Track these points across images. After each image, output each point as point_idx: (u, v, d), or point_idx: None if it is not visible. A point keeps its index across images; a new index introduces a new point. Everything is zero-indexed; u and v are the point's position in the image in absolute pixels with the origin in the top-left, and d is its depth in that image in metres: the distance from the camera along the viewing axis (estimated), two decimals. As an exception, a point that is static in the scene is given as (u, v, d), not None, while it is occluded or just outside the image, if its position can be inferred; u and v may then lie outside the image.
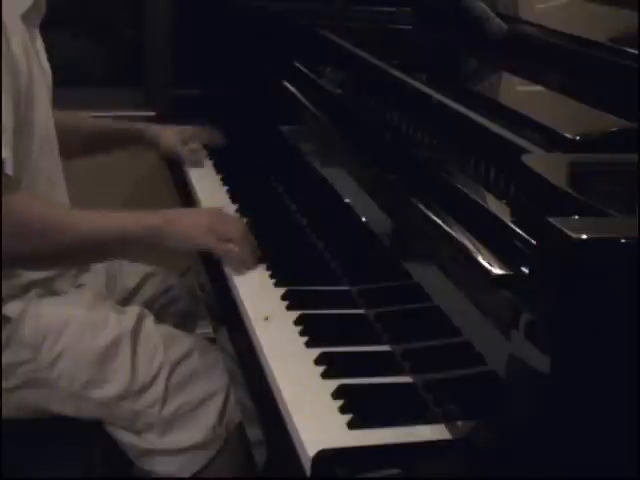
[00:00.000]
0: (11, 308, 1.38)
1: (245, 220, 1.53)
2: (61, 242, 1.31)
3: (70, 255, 1.36)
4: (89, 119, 1.89)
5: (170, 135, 1.88)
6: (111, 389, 1.38)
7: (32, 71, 1.38)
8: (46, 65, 1.51)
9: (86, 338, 1.39)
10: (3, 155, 1.25)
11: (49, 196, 1.46)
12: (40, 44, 1.50)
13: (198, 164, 1.88)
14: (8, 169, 1.25)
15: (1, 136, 1.24)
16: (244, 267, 1.36)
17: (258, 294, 1.29)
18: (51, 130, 1.46)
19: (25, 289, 1.41)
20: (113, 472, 1.50)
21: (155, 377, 1.39)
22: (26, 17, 1.39)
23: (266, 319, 1.20)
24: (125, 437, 1.42)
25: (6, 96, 1.27)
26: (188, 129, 1.93)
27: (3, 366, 1.37)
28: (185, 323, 1.72)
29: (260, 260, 1.38)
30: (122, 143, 1.89)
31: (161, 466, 1.41)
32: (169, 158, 1.92)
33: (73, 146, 1.66)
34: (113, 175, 2.34)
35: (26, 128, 1.34)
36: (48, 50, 1.53)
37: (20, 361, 1.37)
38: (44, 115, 1.43)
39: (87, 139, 1.82)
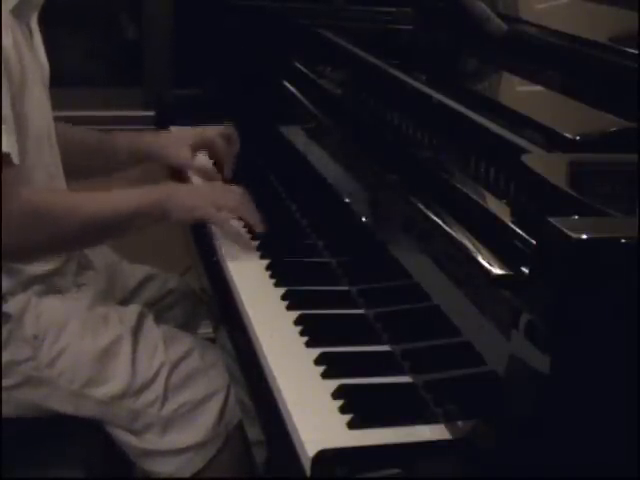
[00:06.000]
0: (11, 305, 1.38)
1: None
2: (77, 226, 1.35)
3: (84, 237, 1.40)
4: (89, 132, 1.70)
5: (180, 146, 1.71)
6: (111, 388, 1.38)
7: (25, 66, 1.36)
8: (44, 61, 1.50)
9: (87, 336, 1.39)
10: (5, 148, 1.25)
11: None
12: (38, 39, 1.49)
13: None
14: (14, 159, 1.27)
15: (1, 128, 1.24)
16: (237, 238, 1.42)
17: (258, 294, 1.29)
18: (49, 125, 1.45)
19: (25, 285, 1.41)
20: (113, 472, 1.50)
21: (155, 376, 1.39)
22: (16, 12, 1.37)
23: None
24: (125, 437, 1.41)
25: (4, 89, 1.27)
26: (204, 132, 1.74)
27: (3, 364, 1.37)
28: (186, 327, 1.71)
29: (261, 256, 1.40)
30: (127, 162, 1.73)
31: (161, 466, 1.41)
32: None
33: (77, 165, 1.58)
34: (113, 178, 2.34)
35: (20, 123, 1.34)
36: (48, 50, 1.52)
37: (20, 359, 1.37)
38: (39, 110, 1.41)
39: (90, 157, 1.68)
